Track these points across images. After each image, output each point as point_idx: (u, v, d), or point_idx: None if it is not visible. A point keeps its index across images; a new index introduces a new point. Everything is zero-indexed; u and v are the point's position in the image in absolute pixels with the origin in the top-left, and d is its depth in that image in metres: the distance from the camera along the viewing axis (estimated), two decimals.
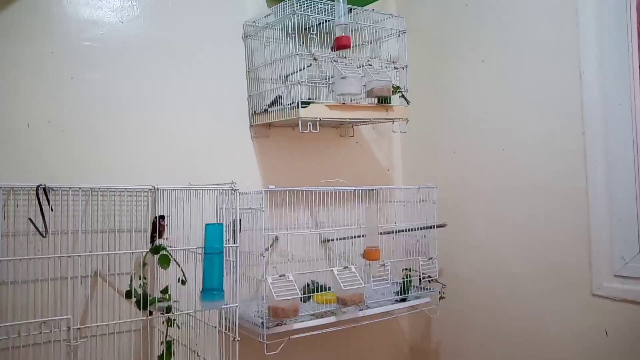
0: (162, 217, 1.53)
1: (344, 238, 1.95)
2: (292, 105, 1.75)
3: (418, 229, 1.99)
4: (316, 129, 1.75)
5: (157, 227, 1.52)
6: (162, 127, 1.76)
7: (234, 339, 1.34)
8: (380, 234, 1.92)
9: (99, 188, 1.31)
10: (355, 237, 1.93)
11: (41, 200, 1.07)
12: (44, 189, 1.07)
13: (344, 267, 1.79)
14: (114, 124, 1.67)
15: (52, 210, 1.10)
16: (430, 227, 1.98)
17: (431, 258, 1.96)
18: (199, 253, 1.35)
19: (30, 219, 1.12)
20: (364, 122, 2.08)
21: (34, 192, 1.08)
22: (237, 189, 1.44)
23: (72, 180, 1.51)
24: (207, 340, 1.55)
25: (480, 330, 2.04)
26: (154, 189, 1.35)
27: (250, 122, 1.95)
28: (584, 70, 1.71)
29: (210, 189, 1.49)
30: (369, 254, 1.87)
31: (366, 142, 2.28)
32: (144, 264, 1.28)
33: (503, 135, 1.95)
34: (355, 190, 1.89)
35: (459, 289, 2.08)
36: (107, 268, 1.49)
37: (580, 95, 1.71)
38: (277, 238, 1.88)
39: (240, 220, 1.46)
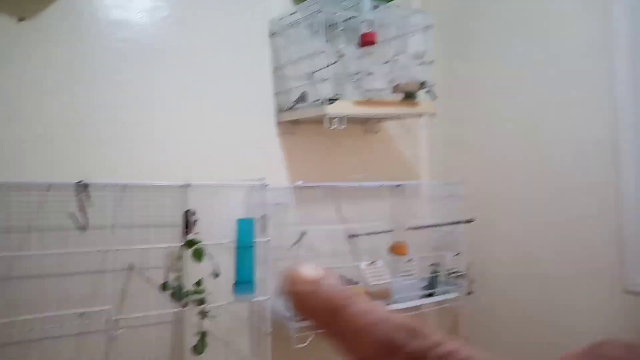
0: (192, 212, 1.57)
1: (370, 233, 1.97)
2: (318, 102, 1.77)
3: (445, 225, 1.98)
4: (343, 125, 1.76)
5: (188, 222, 1.56)
6: (192, 125, 1.80)
7: (265, 332, 1.37)
8: (407, 229, 1.93)
9: (134, 184, 1.36)
10: (381, 232, 1.94)
11: (81, 196, 1.11)
12: (84, 185, 1.11)
13: (371, 262, 1.81)
14: (145, 123, 1.71)
15: (89, 206, 1.14)
16: (458, 222, 1.98)
17: (459, 253, 1.96)
18: (230, 247, 1.38)
19: (71, 214, 1.17)
20: (390, 117, 2.09)
21: (73, 189, 1.12)
22: (267, 185, 1.47)
23: (106, 177, 1.57)
24: (239, 333, 1.59)
25: (509, 327, 2.03)
26: (186, 185, 1.38)
27: (277, 119, 1.98)
28: (615, 64, 1.68)
29: (239, 185, 1.51)
30: (396, 249, 1.88)
31: (392, 137, 2.28)
32: (179, 257, 1.32)
33: (532, 130, 1.93)
34: (381, 185, 1.90)
35: (487, 284, 2.07)
36: (141, 262, 1.54)
37: (611, 90, 1.68)
38: (304, 233, 1.91)
39: (268, 215, 1.49)
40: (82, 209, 1.13)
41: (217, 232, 1.51)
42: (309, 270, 0.25)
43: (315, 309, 0.24)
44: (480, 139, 2.13)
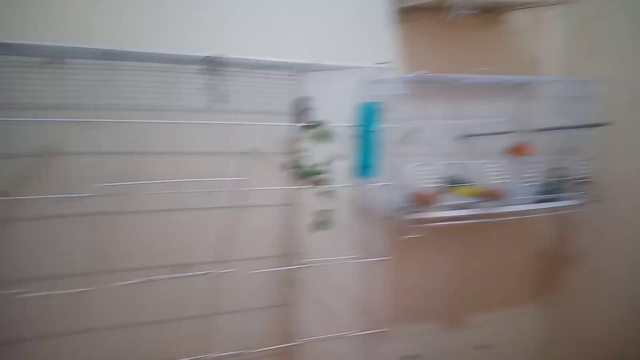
0: (307, 99, 1.56)
1: (489, 133, 1.86)
2: None
3: (575, 127, 1.81)
4: (467, 13, 1.60)
5: (303, 108, 1.56)
6: (312, 9, 1.73)
7: (379, 217, 1.38)
8: (531, 130, 1.79)
9: (255, 62, 1.31)
10: (501, 132, 1.82)
11: (213, 72, 1.13)
12: (214, 60, 1.13)
13: (488, 162, 1.72)
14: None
15: (220, 84, 1.16)
16: (590, 125, 1.79)
17: (588, 158, 1.79)
18: (348, 132, 1.37)
19: (206, 88, 1.20)
20: (519, 6, 1.86)
21: (203, 63, 1.14)
22: (389, 68, 1.39)
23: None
24: (353, 215, 1.62)
25: (633, 239, 1.88)
26: (302, 65, 1.35)
27: (397, 4, 1.84)
28: None
29: (359, 68, 1.45)
30: (517, 151, 1.77)
31: (521, 29, 2.05)
32: (300, 140, 1.34)
33: None
34: (505, 81, 1.75)
35: (618, 194, 1.90)
36: (260, 145, 1.59)
37: None
38: (418, 128, 1.84)
39: (388, 102, 1.43)
40: (216, 84, 1.16)
41: (334, 118, 1.49)
42: None
43: None
44: (626, 29, 1.85)
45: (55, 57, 1.29)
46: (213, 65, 1.13)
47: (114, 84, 1.42)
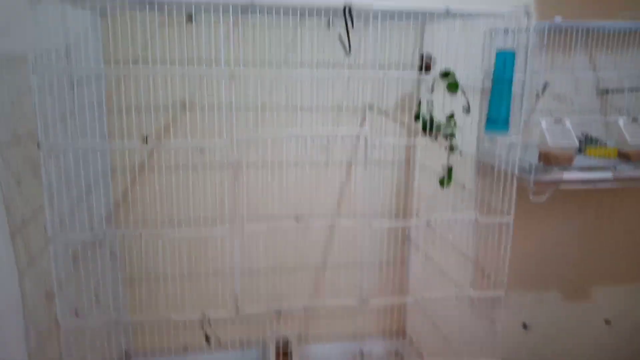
0: (429, 55, 1.49)
1: (631, 88, 1.67)
2: None
3: None
4: None
5: (427, 61, 1.50)
6: None
7: (505, 175, 1.31)
8: None
9: (380, 9, 1.28)
10: None
11: (347, 20, 1.12)
12: (349, 8, 1.11)
13: (632, 120, 1.56)
14: None
15: (352, 28, 1.15)
16: None
17: None
18: (480, 84, 1.29)
19: (339, 37, 1.20)
20: None
21: (342, 12, 1.13)
22: (519, 14, 1.28)
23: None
24: (476, 174, 1.57)
25: None
26: (424, 14, 1.28)
27: None
28: None
29: (491, 15, 1.35)
30: None
31: None
32: (426, 92, 1.30)
33: None
34: None
35: None
36: (380, 100, 1.57)
37: None
38: (547, 83, 1.71)
39: (529, 48, 1.32)
40: (347, 33, 1.15)
41: (462, 68, 1.42)
42: None
43: None
44: None
45: (195, 11, 1.35)
46: (349, 13, 1.11)
47: (246, 40, 1.46)
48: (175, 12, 1.18)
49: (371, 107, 1.54)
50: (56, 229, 1.16)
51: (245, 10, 1.20)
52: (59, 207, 1.17)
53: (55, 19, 1.15)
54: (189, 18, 1.37)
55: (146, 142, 1.25)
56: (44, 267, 1.17)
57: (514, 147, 1.36)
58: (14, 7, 1.09)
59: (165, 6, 1.19)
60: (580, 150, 1.68)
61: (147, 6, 1.16)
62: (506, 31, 1.43)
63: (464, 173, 1.53)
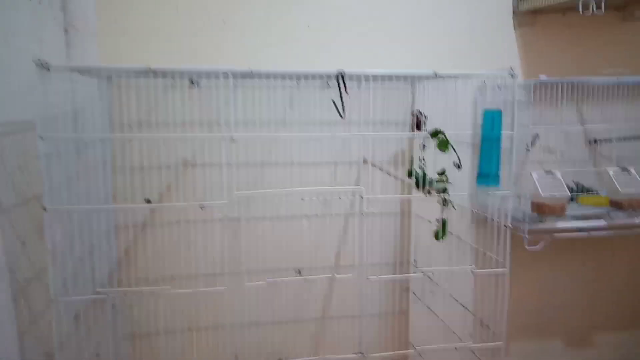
0: (420, 112, 1.56)
1: (619, 138, 1.73)
2: None
3: None
4: (600, 10, 1.51)
5: (418, 120, 1.56)
6: (423, 18, 1.74)
7: (505, 226, 1.34)
8: None
9: (371, 74, 1.35)
10: (634, 138, 1.69)
11: (341, 86, 1.18)
12: (342, 75, 1.18)
13: (622, 169, 1.60)
14: (380, 16, 1.71)
15: (347, 94, 1.21)
16: None
17: None
18: (469, 141, 1.35)
19: (333, 101, 1.26)
20: None
21: (335, 79, 1.19)
22: (506, 74, 1.35)
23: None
24: (470, 226, 1.60)
25: None
26: (420, 75, 1.36)
27: (514, 9, 1.79)
28: None
29: (477, 77, 1.43)
30: None
31: None
32: (417, 149, 1.35)
33: None
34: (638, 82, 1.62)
35: None
36: (375, 156, 1.62)
37: None
38: (537, 135, 1.77)
39: (515, 107, 1.38)
40: (341, 98, 1.21)
41: (452, 126, 1.48)
42: None
43: None
44: None
45: (198, 78, 1.42)
46: (342, 79, 1.18)
47: (245, 102, 1.53)
48: (178, 79, 1.25)
49: (366, 163, 1.60)
50: (59, 290, 1.18)
51: (245, 76, 1.27)
52: (62, 268, 1.19)
53: (63, 86, 1.21)
54: (191, 83, 1.44)
55: (149, 202, 1.30)
56: (45, 327, 1.18)
57: (506, 200, 1.40)
58: (23, 75, 1.16)
59: (173, 73, 1.26)
60: (572, 199, 1.71)
61: (152, 74, 1.22)
62: (493, 89, 1.50)
63: (459, 225, 1.56)
